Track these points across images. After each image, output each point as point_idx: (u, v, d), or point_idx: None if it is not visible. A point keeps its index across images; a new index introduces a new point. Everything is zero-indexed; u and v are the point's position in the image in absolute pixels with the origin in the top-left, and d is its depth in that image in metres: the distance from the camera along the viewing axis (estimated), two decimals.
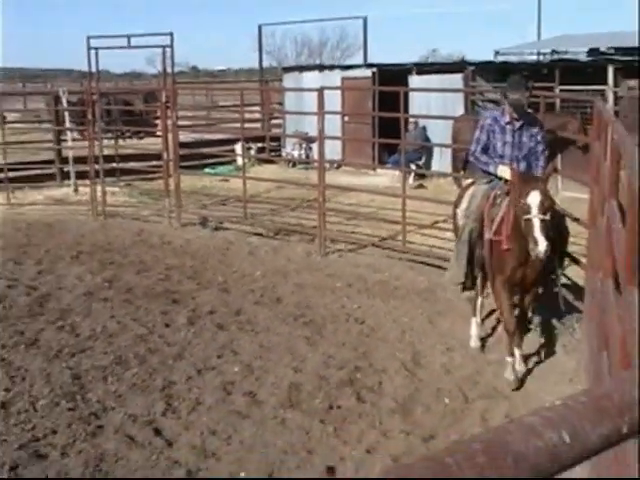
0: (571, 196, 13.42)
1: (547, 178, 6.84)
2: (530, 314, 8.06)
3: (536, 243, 6.28)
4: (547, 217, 6.39)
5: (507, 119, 7.39)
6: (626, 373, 1.78)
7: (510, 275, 7.02)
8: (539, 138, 7.43)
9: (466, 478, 0.77)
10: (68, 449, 5.81)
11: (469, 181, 8.85)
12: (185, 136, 18.79)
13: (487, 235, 7.15)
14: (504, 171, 7.18)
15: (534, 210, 6.37)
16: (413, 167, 18.00)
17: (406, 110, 17.11)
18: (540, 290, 7.62)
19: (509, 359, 7.21)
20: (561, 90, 17.79)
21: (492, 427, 0.95)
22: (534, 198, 6.38)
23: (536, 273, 7.00)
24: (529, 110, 7.81)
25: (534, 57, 29.85)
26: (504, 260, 7.01)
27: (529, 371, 7.37)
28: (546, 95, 14.56)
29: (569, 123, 14.24)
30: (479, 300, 8.13)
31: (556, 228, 6.92)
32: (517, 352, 7.27)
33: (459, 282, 7.73)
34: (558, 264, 7.39)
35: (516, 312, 7.48)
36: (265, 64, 29.63)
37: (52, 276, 10.74)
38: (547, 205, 6.42)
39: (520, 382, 7.11)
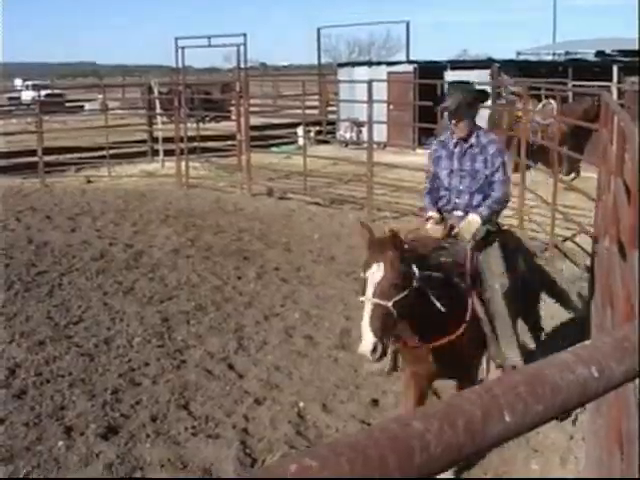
0: (590, 176, 13.08)
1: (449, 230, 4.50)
2: None
3: (360, 339, 3.66)
4: (386, 303, 3.65)
5: (454, 140, 4.72)
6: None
7: (414, 370, 4.49)
8: (497, 164, 4.64)
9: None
10: (158, 378, 5.91)
11: None
12: (255, 120, 18.77)
13: None
14: (433, 230, 4.61)
15: (369, 290, 3.71)
16: None
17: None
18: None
19: None
20: (573, 85, 17.91)
21: (532, 363, 0.92)
22: (373, 273, 3.73)
23: (451, 367, 4.35)
24: (479, 125, 4.90)
25: (550, 57, 29.22)
26: (404, 350, 4.40)
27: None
28: (561, 89, 14.80)
29: (591, 109, 13.59)
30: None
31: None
32: None
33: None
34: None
35: None
36: (322, 61, 29.35)
37: (145, 236, 10.88)
38: (385, 285, 3.68)
39: None
